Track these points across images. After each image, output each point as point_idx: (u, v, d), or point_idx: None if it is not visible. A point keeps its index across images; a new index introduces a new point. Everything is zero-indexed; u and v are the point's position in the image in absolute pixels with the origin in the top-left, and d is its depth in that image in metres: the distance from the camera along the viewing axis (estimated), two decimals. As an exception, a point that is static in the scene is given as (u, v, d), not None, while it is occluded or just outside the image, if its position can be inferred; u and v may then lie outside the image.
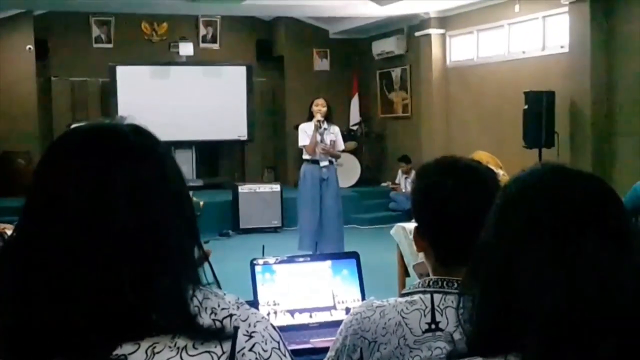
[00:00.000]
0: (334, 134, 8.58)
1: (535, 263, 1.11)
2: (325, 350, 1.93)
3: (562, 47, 10.52)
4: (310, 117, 8.56)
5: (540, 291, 1.09)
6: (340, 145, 8.76)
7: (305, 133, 8.52)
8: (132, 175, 1.14)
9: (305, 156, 8.63)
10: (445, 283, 1.79)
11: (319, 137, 8.45)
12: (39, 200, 1.16)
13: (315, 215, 8.51)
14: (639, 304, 1.09)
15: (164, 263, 1.13)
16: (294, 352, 1.33)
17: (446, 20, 13.01)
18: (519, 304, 1.11)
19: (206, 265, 1.21)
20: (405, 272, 6.58)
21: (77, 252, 1.10)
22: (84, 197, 1.12)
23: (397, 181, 13.74)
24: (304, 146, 8.54)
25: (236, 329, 1.15)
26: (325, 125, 8.49)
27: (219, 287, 1.22)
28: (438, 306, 1.76)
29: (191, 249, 1.19)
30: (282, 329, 2.60)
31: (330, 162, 8.63)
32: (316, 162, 8.53)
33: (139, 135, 1.21)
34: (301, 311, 2.70)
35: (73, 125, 1.27)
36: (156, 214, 1.14)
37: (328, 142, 8.52)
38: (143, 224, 1.12)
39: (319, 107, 8.47)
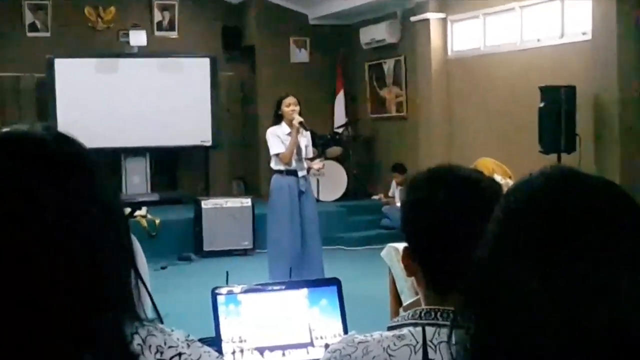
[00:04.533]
0: (306, 137, 8.53)
1: (529, 294, 1.10)
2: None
3: (584, 34, 10.58)
4: (277, 119, 8.42)
5: (532, 331, 1.08)
6: (311, 152, 8.74)
7: (278, 138, 8.32)
8: (58, 190, 1.13)
9: (279, 166, 8.40)
10: (439, 314, 1.80)
11: (301, 142, 8.39)
12: None
13: (296, 235, 8.36)
14: None
15: (101, 293, 1.13)
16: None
17: (447, 3, 13.06)
18: (512, 342, 1.10)
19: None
20: (397, 301, 6.58)
21: (1, 283, 1.10)
22: (6, 216, 1.11)
23: (390, 194, 13.77)
24: (278, 154, 8.34)
25: (187, 369, 1.16)
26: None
27: (162, 322, 1.22)
28: (431, 341, 1.76)
29: (128, 277, 1.18)
30: (249, 371, 2.61)
31: (308, 170, 8.61)
32: (293, 172, 8.40)
33: (63, 143, 1.20)
34: (272, 349, 2.70)
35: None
36: (89, 235, 1.13)
37: (303, 148, 8.47)
38: (74, 246, 1.12)
39: (292, 106, 8.31)
